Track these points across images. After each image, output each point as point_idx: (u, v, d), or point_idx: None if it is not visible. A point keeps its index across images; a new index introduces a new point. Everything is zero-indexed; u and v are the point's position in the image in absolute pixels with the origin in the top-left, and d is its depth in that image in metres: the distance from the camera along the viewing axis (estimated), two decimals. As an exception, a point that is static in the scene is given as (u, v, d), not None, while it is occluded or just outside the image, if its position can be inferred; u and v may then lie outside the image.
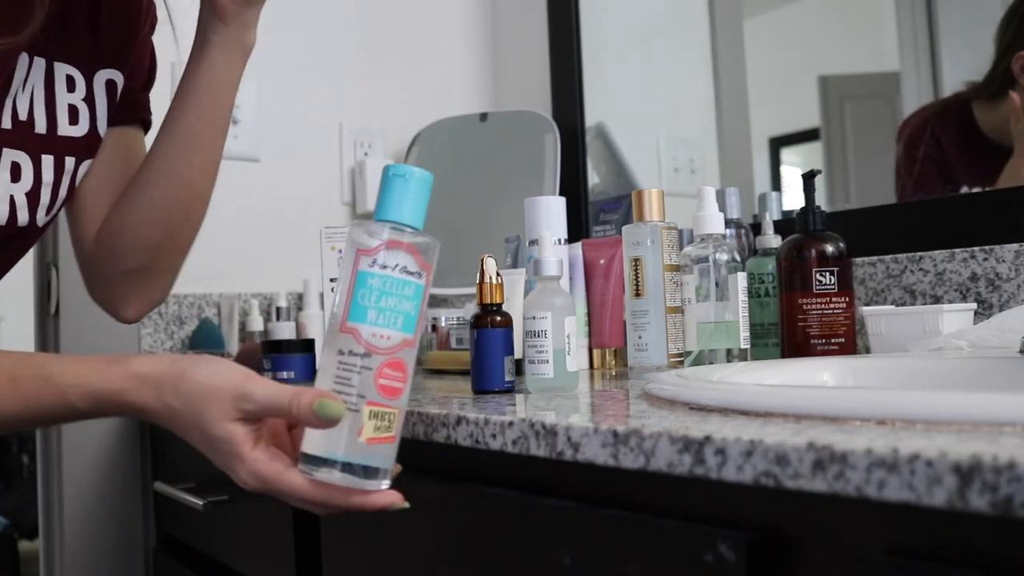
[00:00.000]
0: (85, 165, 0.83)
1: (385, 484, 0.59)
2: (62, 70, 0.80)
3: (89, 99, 0.83)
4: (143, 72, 0.91)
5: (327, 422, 0.57)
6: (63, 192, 0.82)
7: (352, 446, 0.58)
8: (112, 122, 0.86)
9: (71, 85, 0.81)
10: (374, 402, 0.58)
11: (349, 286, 0.59)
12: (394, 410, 0.59)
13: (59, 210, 0.84)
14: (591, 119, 1.67)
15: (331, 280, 1.13)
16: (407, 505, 0.60)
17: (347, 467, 0.58)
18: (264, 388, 0.59)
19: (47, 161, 0.79)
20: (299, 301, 1.60)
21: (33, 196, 0.79)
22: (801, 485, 0.43)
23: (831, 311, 0.95)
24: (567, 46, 1.69)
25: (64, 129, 0.81)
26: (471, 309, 1.28)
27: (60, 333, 1.41)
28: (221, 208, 1.61)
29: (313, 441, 0.59)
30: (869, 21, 1.35)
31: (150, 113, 0.93)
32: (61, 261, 1.43)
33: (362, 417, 0.58)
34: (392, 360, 0.59)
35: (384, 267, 0.59)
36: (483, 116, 1.72)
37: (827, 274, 0.96)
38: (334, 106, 1.72)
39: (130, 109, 0.89)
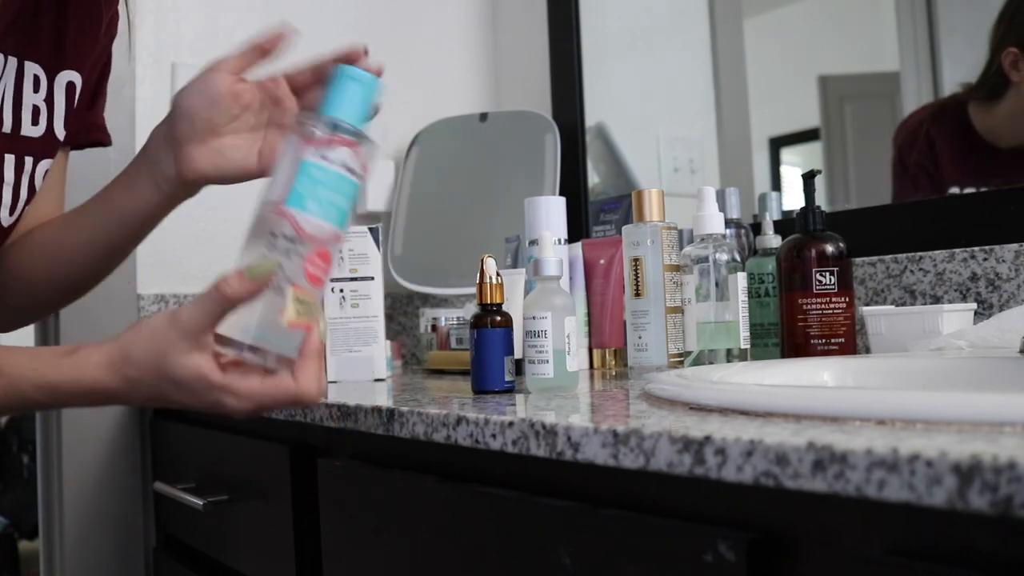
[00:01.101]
0: (43, 164, 0.83)
1: (268, 360, 0.60)
2: (30, 70, 0.80)
3: (49, 100, 0.82)
4: (90, 85, 0.88)
5: (263, 280, 0.57)
6: (24, 192, 0.81)
7: (271, 326, 0.59)
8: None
9: (36, 85, 0.81)
10: (300, 287, 0.59)
11: (290, 173, 0.59)
12: (315, 299, 0.60)
13: (23, 211, 0.83)
14: (591, 119, 1.66)
15: (331, 280, 1.13)
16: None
17: (254, 349, 0.59)
18: (186, 307, 0.60)
19: (9, 160, 0.79)
20: (299, 301, 1.60)
21: None
22: (801, 485, 0.43)
23: (831, 311, 0.95)
24: (567, 46, 1.69)
25: (26, 129, 0.80)
26: (471, 309, 1.28)
27: (60, 333, 1.41)
28: (221, 209, 1.61)
29: (227, 322, 0.59)
30: (869, 21, 1.35)
31: (102, 132, 0.92)
32: (61, 261, 1.43)
33: (287, 300, 0.58)
34: (321, 250, 0.59)
35: (329, 160, 0.60)
36: (483, 116, 1.72)
37: (827, 274, 0.96)
38: (334, 106, 1.72)
39: (75, 135, 0.87)
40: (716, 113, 1.54)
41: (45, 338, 1.45)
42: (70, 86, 0.84)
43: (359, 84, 0.62)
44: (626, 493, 0.57)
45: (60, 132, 0.84)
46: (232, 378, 0.60)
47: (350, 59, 0.66)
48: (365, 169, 0.62)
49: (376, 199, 1.72)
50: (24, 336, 1.58)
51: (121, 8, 0.88)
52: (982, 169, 1.15)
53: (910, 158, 1.20)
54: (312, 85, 0.72)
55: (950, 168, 1.18)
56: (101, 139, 0.92)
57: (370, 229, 1.14)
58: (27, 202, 0.83)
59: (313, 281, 0.60)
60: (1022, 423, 0.42)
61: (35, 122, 0.81)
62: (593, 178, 1.66)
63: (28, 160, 0.81)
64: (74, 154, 0.92)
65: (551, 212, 1.10)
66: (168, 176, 0.77)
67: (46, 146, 0.83)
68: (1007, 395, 0.45)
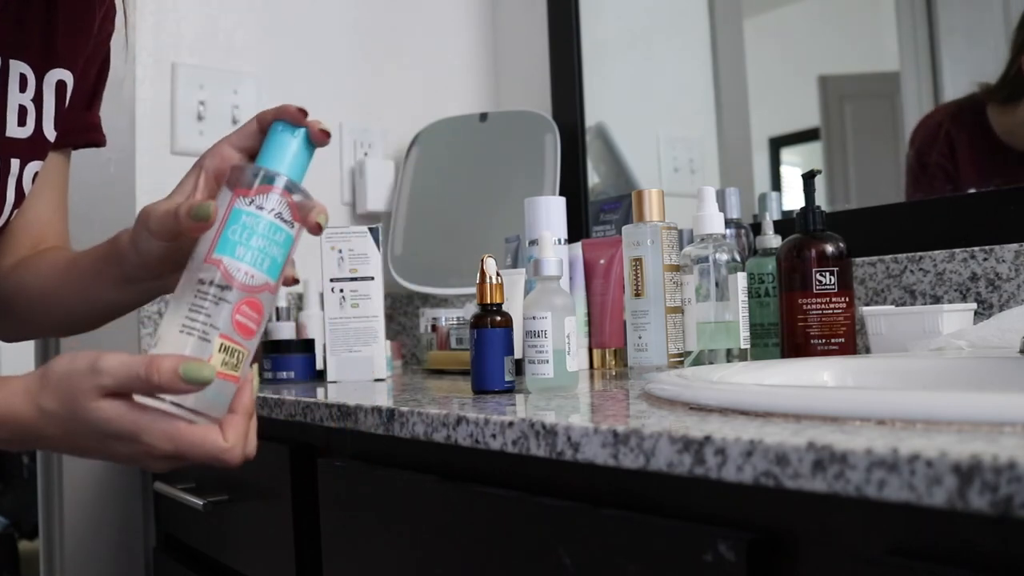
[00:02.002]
0: (32, 166, 0.80)
1: (200, 417, 0.58)
2: (16, 68, 0.77)
3: (38, 99, 0.79)
4: (88, 84, 0.86)
5: (197, 385, 0.54)
6: (10, 195, 0.79)
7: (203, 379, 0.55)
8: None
9: (23, 84, 0.78)
10: (227, 336, 0.57)
11: (221, 221, 0.58)
12: (244, 350, 0.58)
13: (12, 214, 0.81)
14: (591, 119, 1.66)
15: (331, 280, 1.13)
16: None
17: (176, 403, 0.56)
18: (114, 359, 0.55)
19: None
20: (299, 301, 1.60)
21: None
22: (801, 485, 0.43)
23: (831, 311, 0.95)
24: (567, 46, 1.69)
25: (12, 130, 0.77)
26: (471, 309, 1.28)
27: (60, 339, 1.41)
28: (221, 208, 1.61)
29: None
30: (869, 21, 1.35)
31: (97, 132, 0.89)
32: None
33: (212, 347, 0.56)
34: (251, 299, 0.58)
35: (260, 208, 0.58)
36: (483, 116, 1.72)
37: (827, 274, 0.96)
38: (334, 106, 1.72)
39: (69, 134, 0.85)
40: (716, 113, 1.54)
41: (45, 343, 1.45)
42: (60, 85, 0.81)
43: (293, 137, 0.61)
44: (626, 493, 0.57)
45: (50, 133, 0.81)
46: (152, 417, 0.56)
47: (286, 116, 0.63)
48: (300, 221, 0.60)
49: (376, 199, 1.72)
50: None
51: (117, 4, 0.86)
52: (1000, 171, 1.14)
53: (929, 159, 1.19)
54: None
55: (968, 170, 1.17)
56: (97, 140, 0.90)
57: (370, 229, 1.14)
58: (15, 205, 0.80)
59: (242, 331, 0.58)
60: (1022, 423, 0.42)
61: (22, 123, 0.78)
62: (593, 178, 1.66)
63: (14, 162, 0.78)
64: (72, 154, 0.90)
65: (551, 212, 1.10)
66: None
67: (34, 147, 0.80)
68: (1007, 395, 0.45)
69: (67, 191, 0.90)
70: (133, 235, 0.67)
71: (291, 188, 0.60)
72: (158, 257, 0.66)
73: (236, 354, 0.57)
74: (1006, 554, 0.38)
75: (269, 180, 0.59)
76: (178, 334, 0.57)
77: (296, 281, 0.64)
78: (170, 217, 0.60)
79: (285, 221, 0.59)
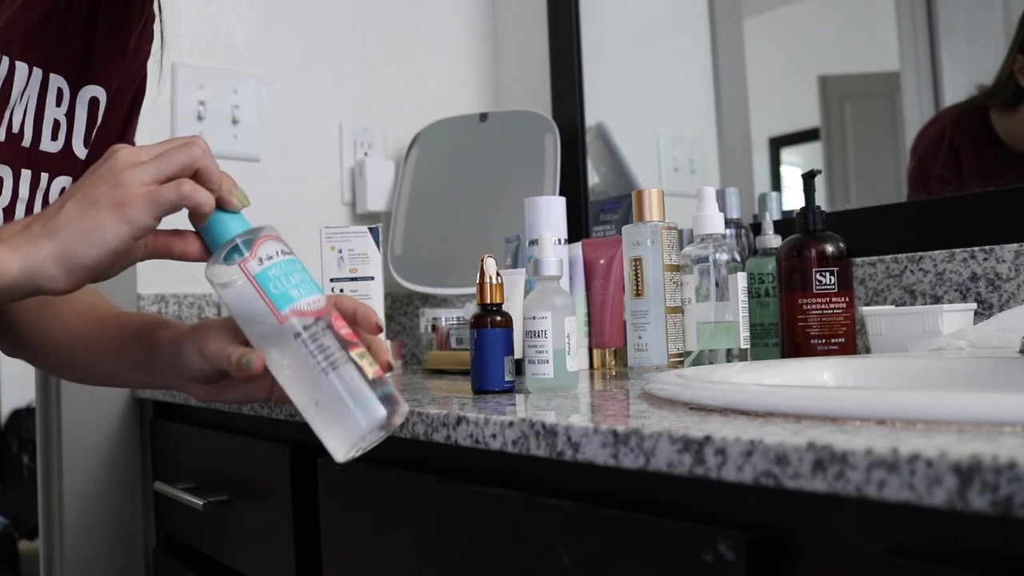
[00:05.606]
0: (59, 182, 0.81)
1: (403, 409, 0.62)
2: (55, 82, 0.78)
3: (70, 114, 0.80)
4: (121, 112, 0.86)
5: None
6: (37, 209, 0.79)
7: (373, 384, 0.61)
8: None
9: (59, 99, 0.79)
10: (352, 347, 0.63)
11: (258, 292, 0.63)
12: (364, 348, 0.64)
13: None
14: (591, 119, 1.66)
15: (331, 280, 1.13)
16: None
17: (385, 398, 0.61)
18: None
19: (25, 175, 0.78)
20: (299, 301, 1.60)
21: (9, 212, 0.77)
22: (801, 485, 0.43)
23: (831, 311, 0.95)
24: (567, 46, 1.69)
25: (45, 144, 0.79)
26: (471, 309, 1.28)
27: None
28: (221, 208, 1.61)
29: (333, 439, 0.62)
30: (869, 21, 1.35)
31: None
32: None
33: (356, 361, 0.62)
34: (333, 317, 0.64)
35: (270, 258, 0.64)
36: (483, 116, 1.72)
37: (827, 274, 0.96)
38: (334, 106, 1.72)
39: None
40: (716, 113, 1.54)
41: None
42: (93, 101, 0.82)
43: (219, 211, 0.66)
44: (626, 493, 0.57)
45: (80, 150, 0.82)
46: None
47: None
48: (287, 246, 0.66)
49: (376, 199, 1.72)
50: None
51: (156, 28, 0.87)
52: (1006, 173, 1.13)
53: (932, 170, 1.19)
54: None
55: (974, 173, 1.16)
56: None
57: (370, 229, 1.14)
58: None
59: (352, 337, 0.64)
60: (1022, 423, 0.42)
61: (54, 137, 0.79)
62: (593, 178, 1.66)
63: (44, 176, 0.79)
64: None
65: (551, 212, 1.10)
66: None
67: (63, 163, 0.81)
68: (1007, 395, 0.45)
69: None
70: (179, 340, 0.72)
71: (264, 233, 0.66)
72: (197, 369, 0.71)
73: (365, 355, 0.63)
74: (1006, 554, 0.38)
75: (249, 241, 0.65)
76: (325, 378, 0.61)
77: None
78: (225, 359, 0.66)
79: (286, 253, 0.65)
